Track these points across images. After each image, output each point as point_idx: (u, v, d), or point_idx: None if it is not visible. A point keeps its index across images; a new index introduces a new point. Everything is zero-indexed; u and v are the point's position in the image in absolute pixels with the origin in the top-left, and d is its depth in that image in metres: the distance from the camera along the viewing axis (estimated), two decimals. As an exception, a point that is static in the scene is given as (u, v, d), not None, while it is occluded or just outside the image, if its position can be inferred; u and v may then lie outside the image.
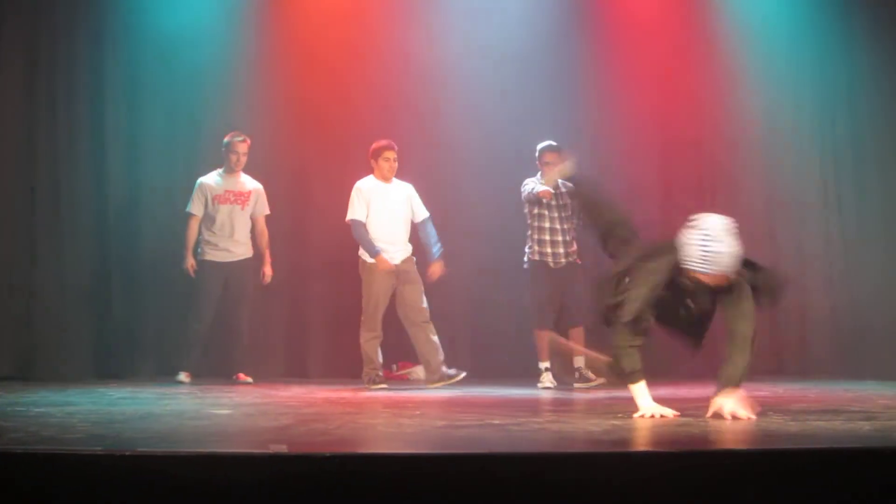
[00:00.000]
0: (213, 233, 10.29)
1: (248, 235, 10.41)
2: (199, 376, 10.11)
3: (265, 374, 10.38)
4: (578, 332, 9.80)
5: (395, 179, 9.92)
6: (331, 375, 10.98)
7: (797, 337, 11.55)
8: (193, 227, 10.30)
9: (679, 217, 11.52)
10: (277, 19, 11.61)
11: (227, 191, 10.31)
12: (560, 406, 7.54)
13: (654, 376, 10.67)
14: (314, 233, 11.40)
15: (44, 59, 10.89)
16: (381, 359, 9.67)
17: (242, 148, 10.32)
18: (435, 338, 9.64)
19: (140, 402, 7.34)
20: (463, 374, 9.55)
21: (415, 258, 9.86)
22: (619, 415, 6.35)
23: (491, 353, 11.11)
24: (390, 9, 11.63)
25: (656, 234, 11.23)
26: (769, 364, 11.26)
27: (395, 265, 9.69)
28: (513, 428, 5.49)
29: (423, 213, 9.93)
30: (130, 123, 11.10)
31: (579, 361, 9.70)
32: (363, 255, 9.78)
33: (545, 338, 9.74)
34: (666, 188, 11.63)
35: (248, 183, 10.44)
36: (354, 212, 9.79)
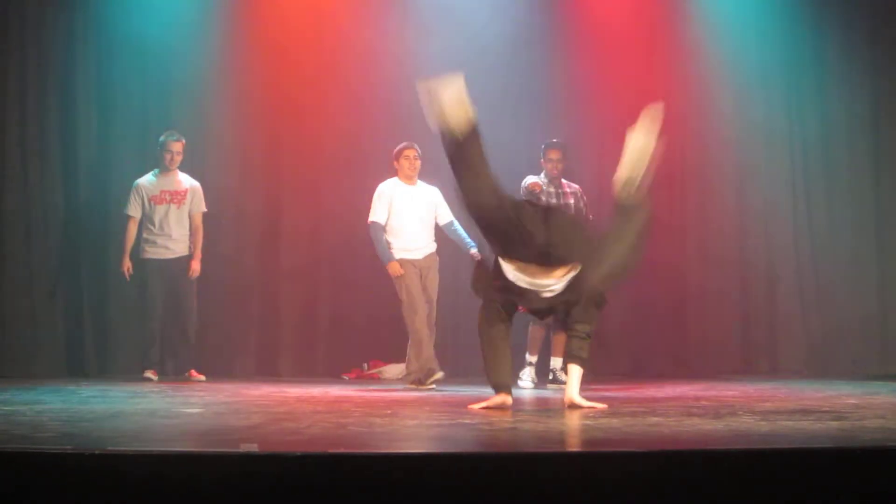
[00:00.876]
0: (153, 232, 10.40)
1: (187, 234, 10.45)
2: (164, 374, 10.13)
3: (236, 373, 10.36)
4: (560, 339, 9.45)
5: (420, 182, 9.87)
6: (302, 374, 10.98)
7: (767, 337, 11.61)
8: (132, 228, 10.39)
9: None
10: (251, 18, 11.60)
11: (162, 191, 10.40)
12: (532, 406, 7.55)
13: (625, 376, 10.79)
14: (286, 232, 11.41)
15: (14, 57, 10.86)
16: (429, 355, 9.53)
17: (177, 147, 10.37)
18: (429, 347, 9.54)
19: (110, 401, 7.32)
20: (441, 374, 9.48)
21: (437, 259, 9.83)
22: (590, 415, 6.36)
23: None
24: (364, 9, 11.62)
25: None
26: (739, 364, 11.34)
27: (417, 260, 9.68)
28: (484, 427, 5.49)
29: (447, 217, 9.85)
30: (101, 121, 11.09)
31: (555, 363, 9.66)
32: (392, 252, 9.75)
33: (537, 334, 9.73)
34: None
35: (185, 181, 10.50)
36: (374, 213, 9.73)
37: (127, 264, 10.30)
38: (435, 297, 9.75)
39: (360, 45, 11.47)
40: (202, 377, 10.16)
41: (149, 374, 10.12)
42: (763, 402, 7.34)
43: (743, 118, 11.80)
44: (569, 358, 6.86)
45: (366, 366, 11.04)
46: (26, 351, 10.64)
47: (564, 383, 9.20)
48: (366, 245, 9.83)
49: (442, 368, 9.50)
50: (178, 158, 10.40)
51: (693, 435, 5.11)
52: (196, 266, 10.40)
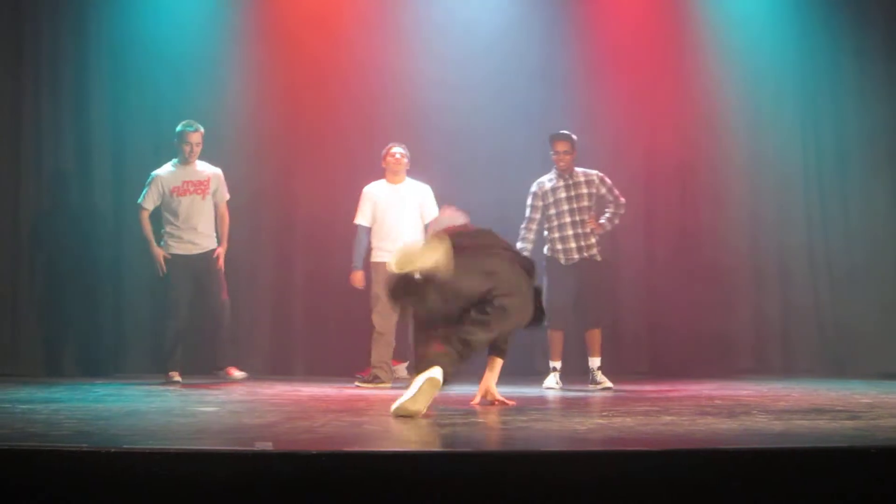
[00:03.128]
0: (176, 226, 9.92)
1: (213, 226, 10.06)
2: (186, 374, 10.02)
3: (251, 372, 10.37)
4: (594, 336, 9.46)
5: (409, 180, 9.90)
6: (317, 373, 10.99)
7: (780, 336, 11.58)
8: (146, 219, 9.94)
9: (660, 208, 11.69)
10: (263, 15, 11.61)
11: (184, 181, 9.93)
12: (546, 405, 7.54)
13: (640, 374, 10.77)
14: (300, 230, 11.41)
15: (28, 53, 10.91)
16: (389, 357, 9.82)
17: (195, 138, 9.93)
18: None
19: (126, 399, 7.34)
20: (387, 384, 9.62)
21: None
22: (604, 413, 6.36)
23: (516, 352, 11.12)
24: (377, 6, 11.63)
25: (640, 224, 11.35)
26: (753, 363, 11.31)
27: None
28: (497, 426, 5.49)
29: (432, 215, 9.80)
30: (113, 119, 11.11)
31: (593, 363, 9.41)
32: (372, 255, 9.88)
33: (556, 338, 9.47)
34: (649, 182, 11.62)
35: (207, 169, 10.07)
36: (357, 215, 9.87)
37: (160, 252, 9.89)
38: None
39: (373, 40, 11.48)
40: (241, 374, 9.93)
41: (174, 375, 9.74)
42: (777, 401, 7.33)
43: (757, 118, 11.75)
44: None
45: (381, 365, 11.05)
46: (41, 350, 10.68)
47: (600, 383, 9.28)
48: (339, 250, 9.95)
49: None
50: (198, 150, 9.96)
51: (707, 434, 5.11)
52: (222, 253, 10.03)
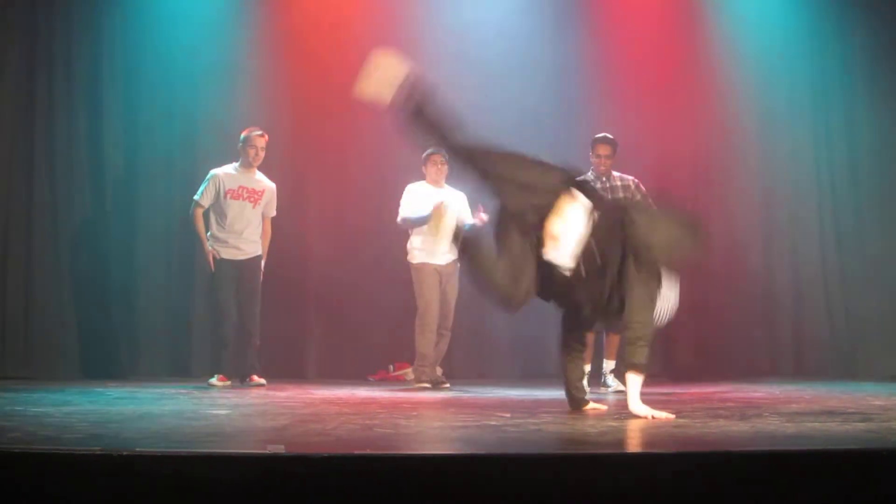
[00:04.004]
0: (224, 229, 9.86)
1: (259, 234, 10.01)
2: (199, 376, 9.94)
3: (264, 375, 10.38)
4: (614, 340, 9.42)
5: (448, 186, 9.88)
6: (329, 376, 11.00)
7: (792, 338, 11.56)
8: (200, 218, 9.86)
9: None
10: (276, 17, 11.63)
11: (241, 186, 9.90)
12: (558, 407, 7.53)
13: (652, 377, 10.76)
14: (313, 232, 11.42)
15: (42, 55, 10.95)
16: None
17: (261, 142, 9.91)
18: (443, 346, 9.85)
19: (138, 402, 7.35)
20: (447, 385, 9.61)
21: (459, 265, 9.64)
22: (617, 416, 6.36)
23: (530, 354, 11.13)
24: (389, 12, 11.63)
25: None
26: (765, 365, 11.30)
27: (439, 265, 9.74)
28: (509, 429, 5.49)
29: (469, 222, 9.71)
30: (128, 122, 11.14)
31: (607, 366, 9.43)
32: (410, 258, 9.84)
33: (612, 339, 9.39)
34: (662, 187, 11.59)
35: (264, 181, 10.08)
36: (402, 210, 9.83)
37: (210, 253, 9.80)
38: (453, 305, 9.86)
39: (385, 44, 11.47)
40: (263, 381, 9.77)
41: (218, 379, 9.64)
42: (789, 403, 7.33)
43: (769, 124, 11.75)
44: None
45: (391, 367, 11.05)
46: (54, 353, 10.70)
47: (611, 387, 9.26)
48: (392, 247, 9.80)
49: (458, 372, 9.59)
50: (262, 154, 9.94)
51: (719, 436, 5.11)
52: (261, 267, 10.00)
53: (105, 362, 10.79)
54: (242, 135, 9.96)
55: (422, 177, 9.97)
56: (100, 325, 10.88)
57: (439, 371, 9.91)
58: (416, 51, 11.41)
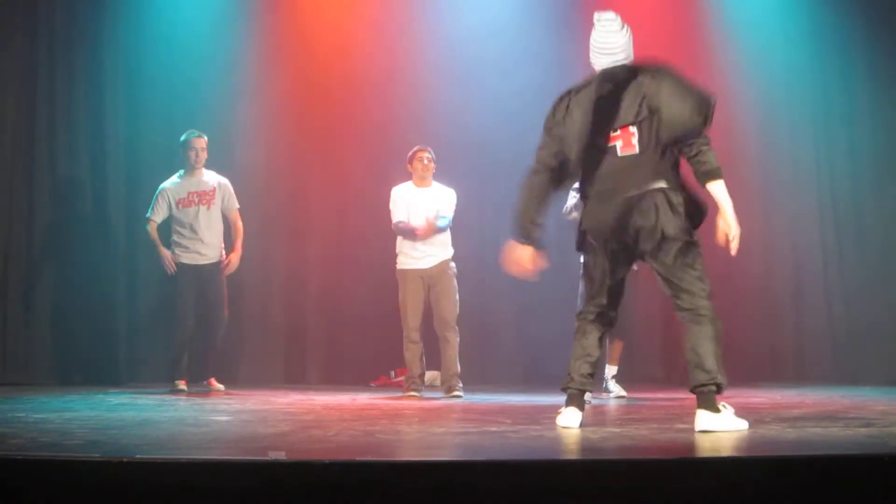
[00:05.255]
0: (183, 235, 9.88)
1: (219, 236, 9.97)
2: (192, 382, 9.95)
3: (264, 381, 10.40)
4: (617, 346, 9.39)
5: (436, 184, 9.71)
6: (330, 382, 11.00)
7: (794, 343, 11.56)
8: (153, 231, 9.90)
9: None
10: (278, 16, 11.62)
11: (189, 192, 9.89)
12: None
13: (654, 382, 10.76)
14: (314, 237, 11.41)
15: (43, 56, 10.97)
16: (422, 368, 9.49)
17: (200, 143, 9.88)
18: (450, 352, 9.44)
19: (139, 409, 7.35)
20: (461, 396, 9.26)
21: (453, 264, 9.57)
22: (618, 421, 6.35)
23: (540, 360, 11.11)
24: (391, 11, 11.63)
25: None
26: (765, 371, 11.29)
27: (423, 269, 9.51)
28: (511, 435, 5.49)
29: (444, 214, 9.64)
30: (129, 124, 11.14)
31: (609, 371, 9.34)
32: (398, 261, 9.64)
33: (615, 344, 9.31)
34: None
35: (212, 180, 9.99)
36: (393, 215, 9.65)
37: (167, 254, 9.81)
38: (451, 305, 9.50)
39: (387, 45, 11.48)
40: (221, 386, 9.84)
41: (179, 383, 9.73)
42: (790, 408, 7.32)
43: (769, 128, 11.75)
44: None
45: (393, 373, 11.05)
46: (54, 359, 10.71)
47: (612, 393, 9.16)
48: (393, 252, 9.72)
49: (463, 377, 9.42)
50: (204, 155, 9.90)
51: (720, 442, 5.10)
52: (234, 258, 9.96)
53: (106, 369, 10.79)
54: (181, 138, 9.96)
55: (408, 176, 9.77)
56: (100, 332, 10.86)
57: (456, 379, 9.48)
58: (416, 49, 11.50)
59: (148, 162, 11.12)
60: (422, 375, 9.50)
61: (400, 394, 9.45)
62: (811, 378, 11.20)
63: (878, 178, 11.57)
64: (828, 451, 4.67)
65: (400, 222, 9.57)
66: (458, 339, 9.47)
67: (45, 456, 4.32)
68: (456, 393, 9.26)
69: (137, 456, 4.29)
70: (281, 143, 11.38)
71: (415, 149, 9.72)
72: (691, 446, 4.97)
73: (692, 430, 5.57)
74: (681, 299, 5.88)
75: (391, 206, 9.66)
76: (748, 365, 11.29)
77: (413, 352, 9.44)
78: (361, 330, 11.28)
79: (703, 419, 5.57)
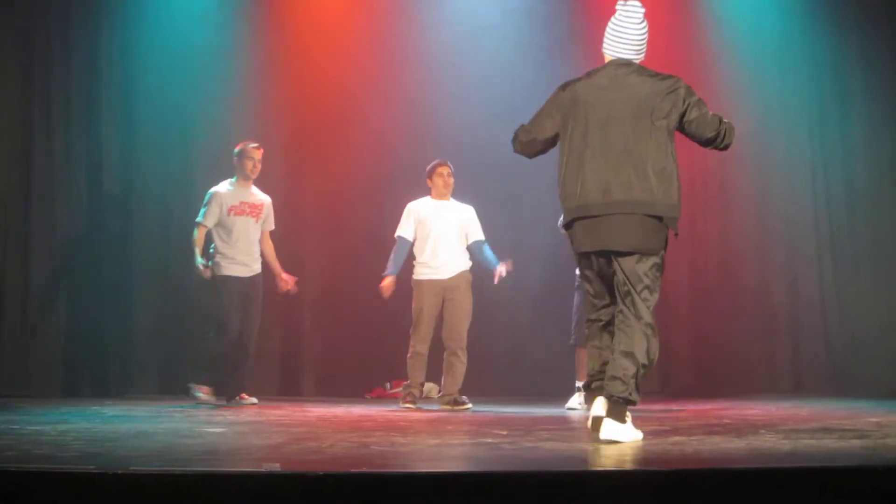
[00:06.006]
0: (230, 245, 9.65)
1: (259, 251, 9.84)
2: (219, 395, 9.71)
3: (259, 393, 10.36)
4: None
5: (454, 200, 9.64)
6: (325, 394, 10.99)
7: (790, 355, 11.56)
8: (201, 236, 9.63)
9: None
10: (273, 24, 11.60)
11: (241, 202, 9.73)
12: (555, 425, 7.53)
13: (649, 393, 10.72)
14: (310, 246, 11.40)
15: (38, 60, 10.96)
16: (423, 378, 9.43)
17: (258, 154, 9.76)
18: (458, 367, 9.31)
19: (134, 420, 7.34)
20: (469, 406, 9.15)
21: (470, 276, 9.54)
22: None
23: (536, 372, 11.12)
24: (395, 12, 11.63)
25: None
26: (761, 383, 11.30)
27: (443, 280, 9.44)
28: (506, 446, 5.49)
29: (476, 235, 9.63)
30: (125, 135, 11.14)
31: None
32: (415, 272, 9.58)
33: (583, 355, 8.92)
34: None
35: (260, 195, 9.92)
36: (400, 228, 9.59)
37: (205, 262, 9.53)
38: (464, 317, 9.43)
39: (383, 52, 11.48)
40: (254, 399, 9.61)
41: (203, 391, 9.49)
42: (785, 420, 7.32)
43: (764, 136, 11.72)
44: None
45: (388, 385, 11.04)
46: (52, 370, 10.71)
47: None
48: (387, 265, 9.67)
49: (462, 390, 9.36)
50: (259, 167, 9.77)
51: (715, 454, 5.10)
52: (288, 277, 9.89)
53: (100, 380, 10.78)
54: (237, 148, 9.82)
55: (426, 191, 9.69)
56: (95, 344, 10.85)
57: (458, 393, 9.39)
58: (412, 56, 11.50)
59: (141, 170, 11.10)
60: (422, 385, 9.45)
61: (396, 405, 9.42)
62: (806, 390, 11.21)
63: (874, 189, 11.58)
64: (822, 463, 4.67)
65: (395, 252, 9.55)
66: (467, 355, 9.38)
67: (40, 468, 4.32)
68: (467, 406, 9.12)
69: (132, 468, 4.29)
70: (275, 152, 11.32)
71: (434, 163, 9.61)
72: (685, 458, 4.97)
73: (686, 442, 5.57)
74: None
75: (403, 218, 9.59)
76: (744, 377, 11.32)
77: (417, 361, 9.38)
78: (356, 342, 11.28)
79: (610, 428, 5.62)
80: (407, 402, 9.29)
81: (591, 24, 11.84)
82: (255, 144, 9.83)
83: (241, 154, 9.79)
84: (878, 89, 11.65)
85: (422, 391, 9.50)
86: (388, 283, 9.55)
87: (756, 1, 11.89)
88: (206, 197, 9.75)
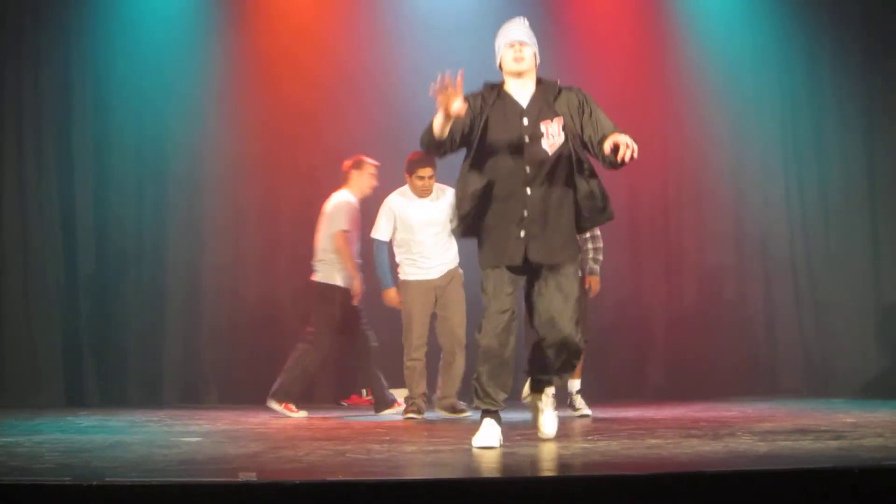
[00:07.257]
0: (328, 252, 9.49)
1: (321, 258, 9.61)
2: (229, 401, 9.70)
3: (235, 400, 10.35)
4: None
5: (436, 186, 9.04)
6: (301, 401, 10.95)
7: (766, 356, 11.58)
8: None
9: (644, 231, 11.67)
10: (249, 22, 11.52)
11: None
12: (531, 430, 7.52)
13: (624, 397, 10.76)
14: (285, 252, 11.28)
15: (10, 64, 10.88)
16: (424, 386, 9.00)
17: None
18: (456, 368, 8.97)
19: (109, 431, 7.31)
20: (469, 413, 8.76)
21: (461, 271, 9.16)
22: (589, 437, 6.36)
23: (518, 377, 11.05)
24: (371, 11, 11.58)
25: (622, 235, 11.20)
26: (738, 384, 11.30)
27: (433, 280, 9.05)
28: (483, 452, 5.49)
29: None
30: (98, 136, 11.04)
31: (574, 386, 8.93)
32: (400, 272, 9.18)
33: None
34: (632, 202, 11.52)
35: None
36: (375, 229, 9.16)
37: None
38: (461, 319, 9.03)
39: (361, 51, 11.42)
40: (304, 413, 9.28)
41: (290, 408, 9.21)
42: (762, 422, 7.35)
43: (739, 143, 11.71)
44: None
45: (364, 392, 11.00)
46: (26, 380, 10.64)
47: (578, 409, 8.87)
48: (369, 267, 9.51)
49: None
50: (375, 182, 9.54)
51: (691, 457, 5.12)
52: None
53: (76, 390, 10.71)
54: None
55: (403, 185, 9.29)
56: (71, 353, 10.78)
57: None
58: (389, 56, 11.45)
59: (116, 168, 11.03)
60: (424, 394, 9.02)
61: (372, 414, 9.31)
62: (783, 391, 11.22)
63: (847, 195, 11.59)
64: (798, 465, 4.68)
65: (377, 241, 9.15)
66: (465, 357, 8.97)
67: (15, 480, 4.29)
68: (466, 413, 8.81)
69: (108, 479, 4.28)
70: (251, 150, 11.25)
71: (417, 161, 8.95)
72: (662, 462, 4.98)
73: (662, 446, 5.58)
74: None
75: (380, 216, 9.18)
76: (720, 379, 11.30)
77: (414, 369, 8.99)
78: (332, 348, 11.22)
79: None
80: (411, 413, 8.87)
81: (568, 24, 11.95)
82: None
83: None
84: (849, 94, 11.66)
85: (425, 399, 9.03)
86: (393, 294, 9.17)
87: (728, 8, 11.88)
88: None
